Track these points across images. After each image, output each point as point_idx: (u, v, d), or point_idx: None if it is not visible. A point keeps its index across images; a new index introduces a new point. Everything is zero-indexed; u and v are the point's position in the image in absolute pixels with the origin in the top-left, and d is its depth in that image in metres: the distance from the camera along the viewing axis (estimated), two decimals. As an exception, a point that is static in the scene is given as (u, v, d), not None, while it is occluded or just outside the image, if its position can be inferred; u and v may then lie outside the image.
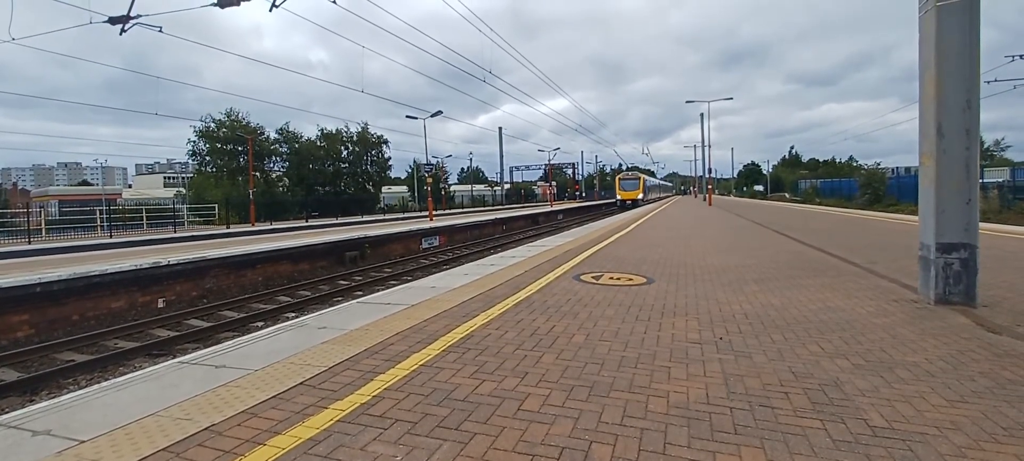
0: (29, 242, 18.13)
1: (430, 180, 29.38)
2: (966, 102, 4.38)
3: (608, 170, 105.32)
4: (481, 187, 78.07)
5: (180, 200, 37.48)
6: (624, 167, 72.13)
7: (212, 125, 37.33)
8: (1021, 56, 22.69)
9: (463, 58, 19.97)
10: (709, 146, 40.46)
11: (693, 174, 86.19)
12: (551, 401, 2.64)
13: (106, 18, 11.38)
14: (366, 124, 45.39)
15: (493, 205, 57.80)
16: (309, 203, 35.72)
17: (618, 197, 51.06)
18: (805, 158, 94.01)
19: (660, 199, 62.81)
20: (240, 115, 38.41)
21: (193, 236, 19.89)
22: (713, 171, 50.14)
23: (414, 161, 57.12)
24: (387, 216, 37.73)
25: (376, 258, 16.56)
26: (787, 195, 63.46)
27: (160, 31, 11.82)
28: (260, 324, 8.82)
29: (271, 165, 41.03)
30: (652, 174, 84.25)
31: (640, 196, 50.50)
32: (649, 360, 3.26)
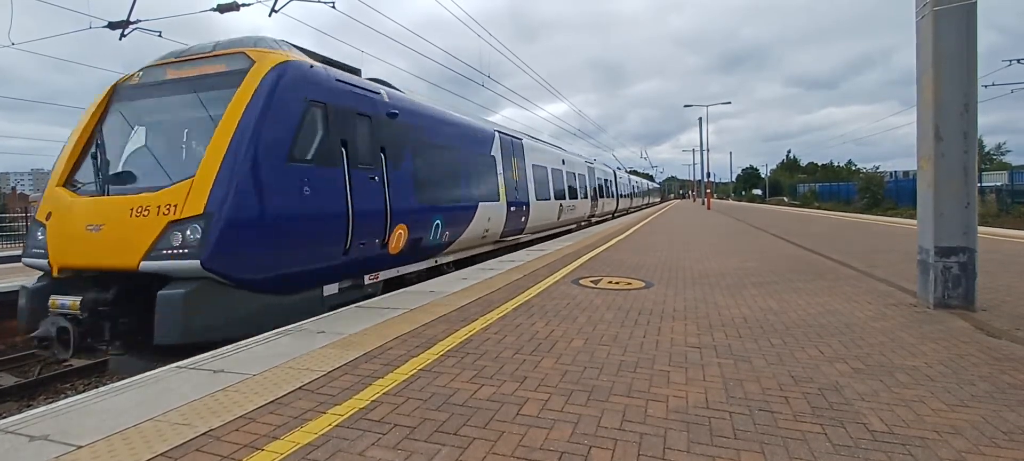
0: (27, 246, 18.06)
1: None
2: (964, 106, 4.39)
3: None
4: (480, 191, 77.57)
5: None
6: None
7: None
8: (1019, 60, 22.79)
9: (462, 62, 19.97)
10: (707, 150, 40.24)
11: (692, 178, 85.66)
12: (550, 406, 2.63)
13: (106, 23, 11.37)
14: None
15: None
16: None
17: None
18: (804, 162, 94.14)
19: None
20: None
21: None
22: (712, 175, 48.81)
23: (413, 165, 56.81)
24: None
25: (375, 262, 16.50)
26: (785, 199, 63.55)
27: (160, 36, 11.80)
28: (259, 328, 8.79)
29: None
30: (651, 178, 76.97)
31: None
32: (648, 364, 3.25)
